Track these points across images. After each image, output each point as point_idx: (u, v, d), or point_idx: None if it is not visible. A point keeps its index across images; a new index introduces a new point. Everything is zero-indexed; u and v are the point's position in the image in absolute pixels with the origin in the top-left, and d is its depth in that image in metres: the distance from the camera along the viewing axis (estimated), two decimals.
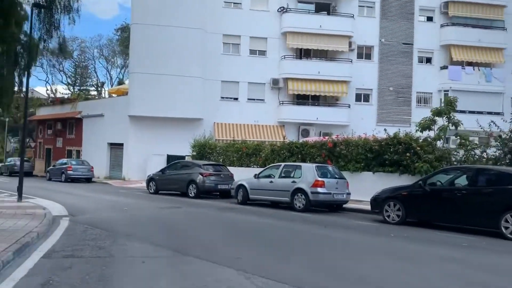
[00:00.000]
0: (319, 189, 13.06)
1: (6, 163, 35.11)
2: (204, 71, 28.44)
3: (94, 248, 7.20)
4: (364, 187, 15.09)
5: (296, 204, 13.38)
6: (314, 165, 13.95)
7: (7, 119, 47.80)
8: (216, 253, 7.11)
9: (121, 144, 29.49)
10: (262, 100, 30.11)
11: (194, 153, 23.31)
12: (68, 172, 27.01)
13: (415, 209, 11.02)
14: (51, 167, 30.68)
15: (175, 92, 27.50)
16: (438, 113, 15.80)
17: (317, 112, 30.09)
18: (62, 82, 58.36)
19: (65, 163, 27.98)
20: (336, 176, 13.93)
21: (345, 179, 14.05)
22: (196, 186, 17.18)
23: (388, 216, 11.25)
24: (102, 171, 30.61)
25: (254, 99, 30.05)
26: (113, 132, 30.01)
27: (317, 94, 30.34)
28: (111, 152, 31.09)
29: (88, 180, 27.68)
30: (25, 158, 39.53)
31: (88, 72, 60.14)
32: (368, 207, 12.57)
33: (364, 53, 32.02)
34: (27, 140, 49.65)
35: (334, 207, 14.10)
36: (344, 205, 14.13)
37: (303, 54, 31.41)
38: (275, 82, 29.70)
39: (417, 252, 7.82)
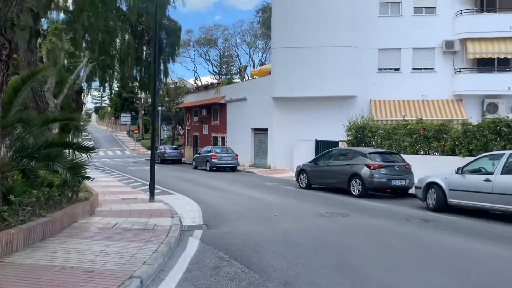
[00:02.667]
0: None
1: (157, 151, 35.81)
2: (357, 39, 23.82)
3: None
4: None
5: None
6: None
7: (159, 108, 50.16)
8: None
9: (265, 129, 26.85)
10: (431, 69, 24.17)
11: (350, 138, 19.08)
12: (213, 160, 25.41)
13: None
14: (196, 155, 29.80)
15: (323, 67, 23.57)
16: None
17: (508, 80, 22.98)
18: (208, 71, 59.71)
19: (209, 151, 26.51)
20: None
21: None
22: (362, 182, 13.03)
23: None
24: (246, 159, 28.58)
25: (420, 69, 24.29)
26: (257, 117, 27.57)
27: (508, 57, 23.14)
28: (255, 138, 28.79)
29: (233, 168, 25.74)
30: (175, 146, 40.62)
31: (232, 60, 60.37)
32: None
33: None
34: (178, 127, 51.59)
35: None
36: None
37: (485, 5, 24.33)
38: (448, 45, 23.47)
39: None
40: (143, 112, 67.03)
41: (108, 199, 11.96)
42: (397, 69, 24.47)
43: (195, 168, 27.57)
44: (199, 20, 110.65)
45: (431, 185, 10.66)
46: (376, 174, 12.86)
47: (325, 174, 14.77)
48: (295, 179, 16.99)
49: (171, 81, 50.43)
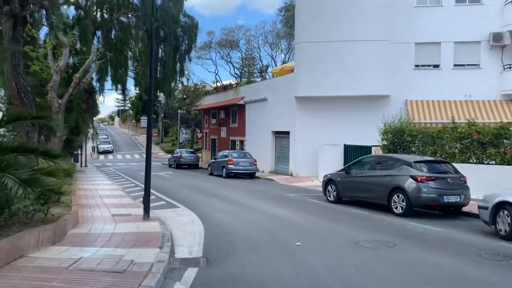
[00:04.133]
0: None
1: (173, 155, 33.98)
2: (391, 32, 21.28)
3: None
4: None
5: None
6: None
7: (179, 111, 48.50)
8: None
9: (287, 133, 24.53)
10: (476, 65, 21.36)
11: (385, 143, 16.59)
12: (229, 166, 23.22)
13: None
14: (212, 160, 27.71)
15: (352, 63, 21.11)
16: None
17: None
18: (230, 74, 57.84)
19: (226, 156, 24.34)
20: None
21: None
22: (406, 197, 10.57)
23: None
24: (266, 164, 26.31)
25: (463, 65, 21.52)
26: (278, 118, 25.29)
27: None
28: (276, 142, 26.49)
29: (251, 175, 23.53)
30: (191, 150, 38.70)
31: (254, 63, 58.38)
32: None
33: None
34: (197, 130, 49.76)
35: None
36: None
37: None
38: (496, 38, 20.65)
39: None
40: (163, 115, 65.76)
41: (96, 214, 9.94)
42: (436, 66, 21.76)
43: (211, 174, 25.48)
44: (221, 23, 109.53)
45: (503, 205, 8.17)
46: (424, 188, 10.38)
47: (358, 186, 12.35)
48: (320, 189, 14.65)
49: (192, 84, 48.71)
